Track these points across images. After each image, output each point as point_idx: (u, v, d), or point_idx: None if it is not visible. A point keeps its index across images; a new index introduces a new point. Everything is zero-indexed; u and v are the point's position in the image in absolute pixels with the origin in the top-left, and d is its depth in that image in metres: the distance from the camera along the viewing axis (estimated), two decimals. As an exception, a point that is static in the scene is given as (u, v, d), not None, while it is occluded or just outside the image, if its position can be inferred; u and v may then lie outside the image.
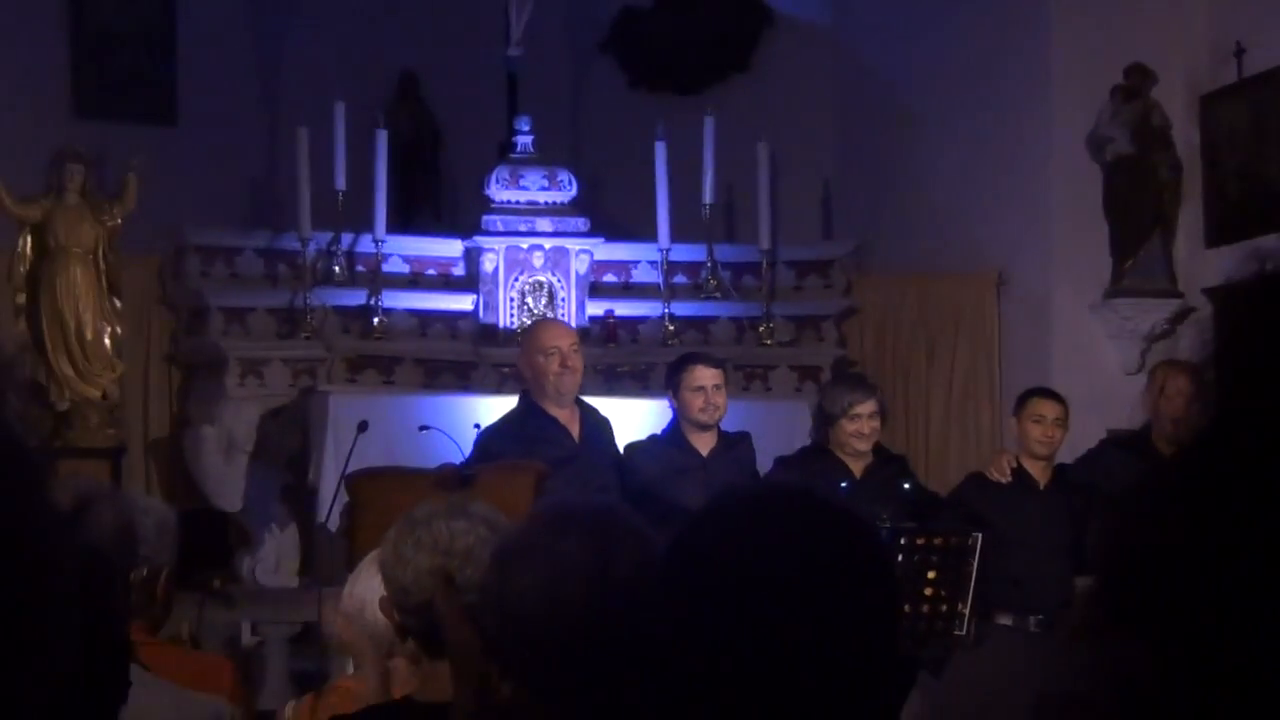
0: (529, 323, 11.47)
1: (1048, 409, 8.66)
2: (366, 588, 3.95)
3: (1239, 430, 1.18)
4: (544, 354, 8.48)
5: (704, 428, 8.62)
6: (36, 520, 1.22)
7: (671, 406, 8.70)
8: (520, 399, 8.69)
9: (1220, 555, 1.13)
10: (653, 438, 8.84)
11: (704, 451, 8.60)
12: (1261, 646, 1.08)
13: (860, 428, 8.49)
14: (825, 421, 8.68)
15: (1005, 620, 8.01)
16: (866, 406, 8.53)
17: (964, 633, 7.30)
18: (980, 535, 7.46)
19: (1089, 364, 11.72)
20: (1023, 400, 8.92)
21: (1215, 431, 1.25)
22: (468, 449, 8.54)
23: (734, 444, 8.77)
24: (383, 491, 7.84)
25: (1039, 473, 8.66)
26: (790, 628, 1.98)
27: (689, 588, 2.04)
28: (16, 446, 1.22)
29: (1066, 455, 9.34)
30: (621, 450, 8.75)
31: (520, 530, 3.14)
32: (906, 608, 7.14)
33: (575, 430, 8.57)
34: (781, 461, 8.79)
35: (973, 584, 7.33)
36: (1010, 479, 8.56)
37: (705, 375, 8.58)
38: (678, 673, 2.05)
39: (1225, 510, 1.14)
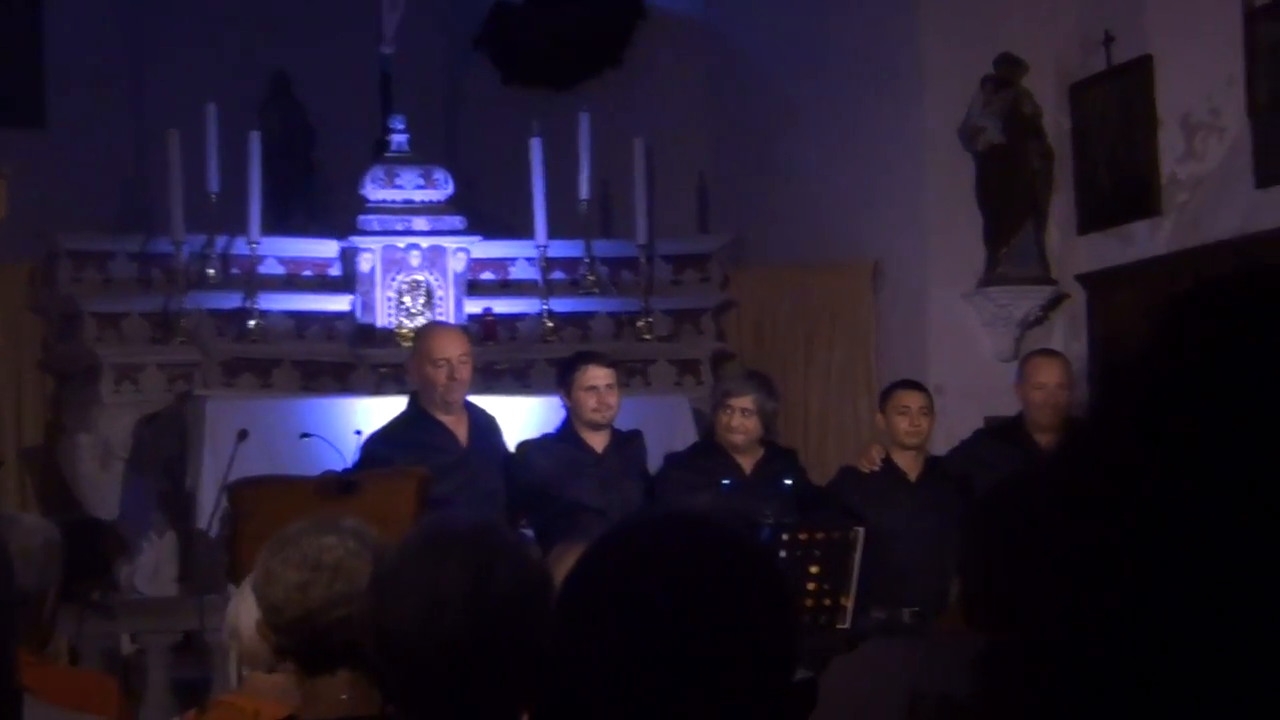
0: (408, 323, 11.44)
1: (912, 399, 8.72)
2: (243, 612, 3.92)
3: (1108, 432, 1.18)
4: (433, 364, 8.49)
5: (596, 427, 8.64)
6: None
7: (564, 405, 8.71)
8: (409, 403, 8.67)
9: (1086, 554, 1.13)
10: (546, 436, 8.86)
11: (598, 449, 8.63)
12: (1127, 643, 1.08)
13: (729, 420, 8.53)
14: (711, 412, 8.79)
15: (879, 614, 8.03)
16: (740, 401, 8.56)
17: (847, 626, 7.34)
18: (862, 530, 7.50)
19: (964, 352, 11.81)
20: (887, 393, 9.01)
21: (1083, 431, 1.24)
22: (349, 455, 8.50)
23: (627, 441, 8.81)
24: (264, 500, 7.79)
25: (909, 464, 8.70)
26: (684, 656, 1.98)
27: (586, 617, 2.04)
28: None
29: (944, 444, 9.42)
30: (513, 448, 8.76)
31: (397, 556, 3.14)
32: (790, 603, 7.16)
33: (462, 434, 8.58)
34: (672, 459, 8.82)
35: (855, 578, 7.37)
36: (879, 468, 8.61)
37: (598, 375, 8.62)
38: (573, 699, 2.05)
39: (1091, 509, 1.14)
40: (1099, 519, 1.14)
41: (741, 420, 8.54)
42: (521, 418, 10.26)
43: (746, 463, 8.60)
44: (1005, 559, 3.67)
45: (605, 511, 8.06)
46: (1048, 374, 8.95)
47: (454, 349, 8.62)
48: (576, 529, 7.45)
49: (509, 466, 8.65)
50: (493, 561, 3.01)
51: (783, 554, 7.21)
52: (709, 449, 8.75)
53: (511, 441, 8.96)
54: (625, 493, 8.46)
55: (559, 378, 8.95)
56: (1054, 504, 1.19)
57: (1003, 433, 9.27)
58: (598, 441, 8.66)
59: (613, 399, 8.64)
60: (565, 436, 8.71)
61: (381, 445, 8.44)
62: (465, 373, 8.59)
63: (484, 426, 8.74)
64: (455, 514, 6.66)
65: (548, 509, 8.38)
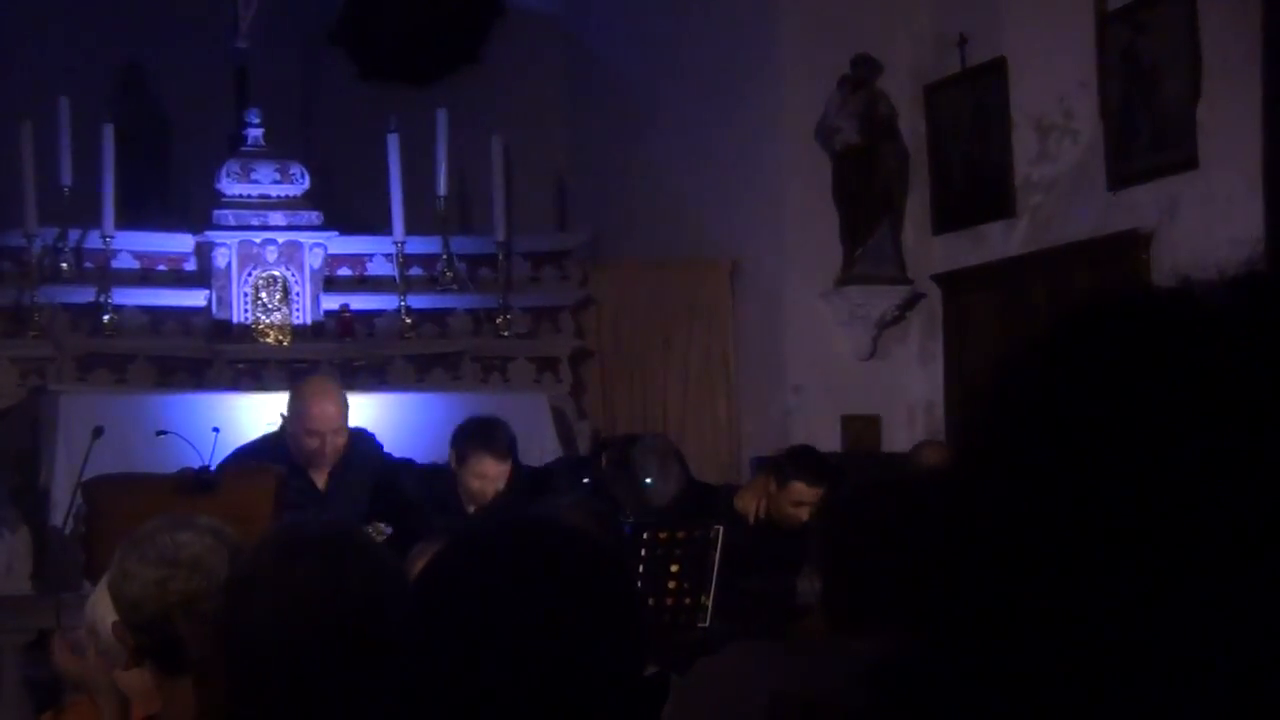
0: (264, 319, 11.35)
1: (812, 496, 7.95)
2: (101, 610, 3.89)
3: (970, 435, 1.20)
4: (308, 434, 8.38)
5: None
6: None
7: (450, 466, 8.56)
8: (277, 440, 8.55)
9: (943, 548, 1.14)
10: (429, 468, 8.75)
11: (473, 507, 8.49)
12: (988, 636, 1.10)
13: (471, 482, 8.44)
14: None
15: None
16: (481, 464, 8.44)
17: (706, 625, 7.37)
18: (721, 528, 7.51)
19: (822, 351, 11.89)
20: (787, 480, 8.29)
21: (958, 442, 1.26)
22: (206, 452, 8.41)
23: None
24: (121, 497, 7.71)
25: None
26: (533, 654, 2.02)
27: (433, 614, 2.07)
28: None
29: (801, 441, 9.49)
30: (393, 458, 8.69)
31: (250, 559, 3.13)
32: (651, 601, 7.20)
33: (321, 481, 8.48)
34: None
35: (714, 576, 7.39)
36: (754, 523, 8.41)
37: (491, 468, 8.38)
38: (425, 697, 2.08)
39: (947, 500, 1.16)
40: (956, 512, 1.15)
41: (481, 484, 8.45)
42: (378, 415, 10.22)
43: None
44: (865, 561, 3.71)
45: None
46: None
47: (329, 423, 8.44)
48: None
49: (387, 485, 8.55)
50: (346, 560, 3.01)
51: (643, 553, 7.23)
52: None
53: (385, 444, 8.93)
54: None
55: (453, 440, 8.56)
56: (912, 506, 1.21)
57: None
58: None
59: (499, 486, 8.36)
60: (444, 486, 8.51)
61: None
62: (339, 441, 8.45)
63: (349, 463, 8.60)
64: (307, 517, 6.62)
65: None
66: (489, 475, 8.35)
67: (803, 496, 8.08)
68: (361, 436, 8.78)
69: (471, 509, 8.40)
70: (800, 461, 8.38)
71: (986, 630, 1.09)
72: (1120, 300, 1.14)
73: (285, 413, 8.60)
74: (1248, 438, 1.03)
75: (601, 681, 2.08)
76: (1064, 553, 1.06)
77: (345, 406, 8.65)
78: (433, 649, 2.06)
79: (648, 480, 8.54)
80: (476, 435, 8.46)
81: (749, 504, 8.45)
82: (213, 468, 8.17)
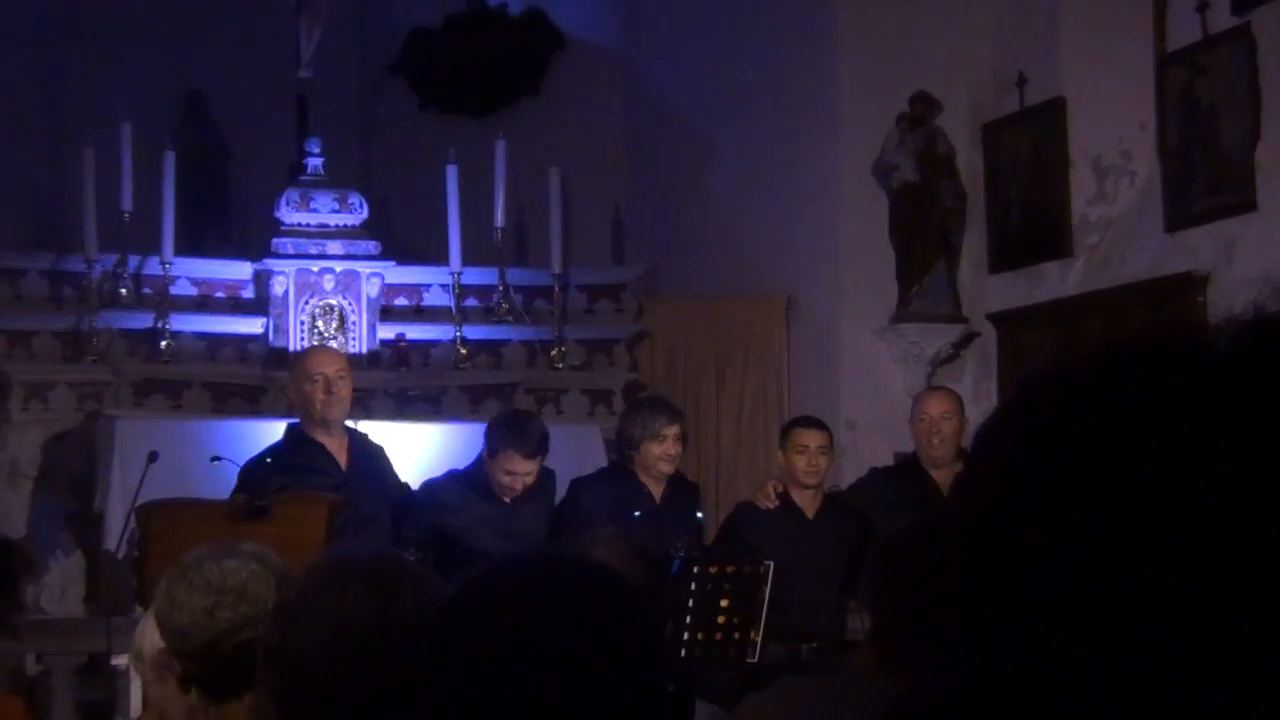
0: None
1: (811, 438, 8.76)
2: (149, 637, 3.91)
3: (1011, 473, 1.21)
4: (309, 381, 8.47)
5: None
6: None
7: (483, 457, 8.59)
8: (287, 430, 8.64)
9: (993, 595, 1.15)
10: (453, 474, 8.76)
11: (507, 498, 8.55)
12: (1038, 687, 1.11)
13: (667, 449, 8.57)
14: (628, 445, 8.72)
15: (779, 649, 8.04)
16: (673, 429, 8.61)
17: (755, 660, 7.38)
18: (772, 564, 7.53)
19: (876, 388, 11.87)
20: (786, 430, 9.06)
21: (986, 469, 1.27)
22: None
23: (537, 490, 8.67)
24: (174, 522, 7.76)
25: (807, 502, 8.75)
26: (538, 695, 2.03)
27: (453, 649, 2.08)
28: None
29: (854, 481, 9.50)
30: (418, 483, 8.71)
31: (301, 583, 3.14)
32: (700, 636, 7.22)
33: (343, 458, 8.53)
34: (580, 483, 8.78)
35: (764, 611, 7.41)
36: (776, 504, 8.65)
37: (520, 465, 8.42)
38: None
39: (997, 549, 1.17)
40: (1005, 562, 1.16)
41: (677, 447, 8.60)
42: (434, 445, 10.25)
43: (657, 491, 8.64)
44: (912, 600, 3.71)
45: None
46: (932, 406, 9.06)
47: (330, 365, 8.60)
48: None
49: (406, 500, 8.59)
50: (395, 588, 3.02)
51: (693, 586, 7.25)
52: (621, 476, 8.74)
53: (415, 469, 8.95)
54: (528, 536, 8.36)
55: (486, 435, 8.60)
56: (956, 544, 1.21)
57: (898, 469, 9.36)
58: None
59: (529, 481, 8.48)
60: (475, 484, 8.61)
61: (257, 470, 8.37)
62: (344, 389, 8.53)
63: (366, 453, 8.68)
64: (358, 545, 6.64)
65: (449, 552, 8.23)
66: (517, 472, 8.41)
67: (805, 440, 8.72)
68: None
69: (507, 499, 8.48)
70: (790, 421, 9.15)
71: (1005, 668, 1.10)
72: (1134, 342, 1.16)
73: (288, 387, 8.62)
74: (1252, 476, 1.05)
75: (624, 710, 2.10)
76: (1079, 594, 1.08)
77: (345, 360, 8.87)
78: (443, 687, 2.08)
79: (699, 515, 8.63)
80: (508, 432, 8.51)
81: (765, 495, 8.73)
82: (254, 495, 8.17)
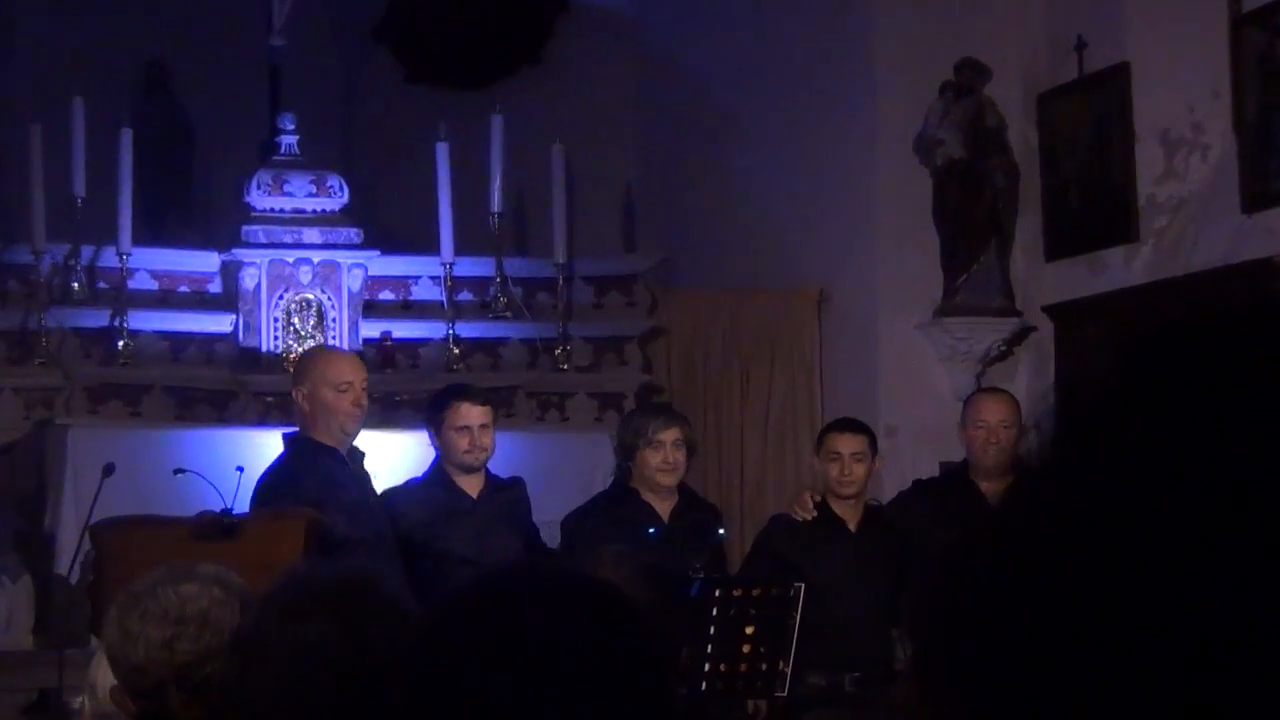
0: (296, 347, 11.39)
1: (844, 444, 8.73)
2: (101, 672, 3.89)
3: (1060, 483, 1.19)
4: (334, 389, 8.43)
5: (469, 470, 8.63)
6: None
7: (433, 445, 8.70)
8: (295, 443, 8.57)
9: (1043, 621, 1.14)
10: (412, 482, 8.85)
11: (473, 494, 8.62)
12: (1086, 714, 1.10)
13: (666, 457, 8.54)
14: (626, 454, 8.71)
15: (818, 679, 8.01)
16: (671, 434, 8.58)
17: (785, 694, 7.32)
18: (803, 585, 7.48)
19: (918, 390, 11.85)
20: (821, 437, 9.07)
21: (1040, 483, 1.26)
22: (229, 493, 8.42)
23: (505, 487, 8.79)
24: (133, 543, 7.75)
25: (848, 512, 8.70)
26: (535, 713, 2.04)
27: (438, 668, 2.09)
28: None
29: (897, 492, 9.47)
30: (381, 493, 8.73)
31: (256, 615, 3.11)
32: (722, 667, 7.17)
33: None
34: (580, 513, 8.76)
35: (795, 639, 7.35)
36: (814, 514, 8.61)
37: (471, 414, 8.60)
38: None
39: (1048, 572, 1.16)
40: (1053, 583, 1.15)
41: (676, 454, 8.57)
42: (421, 456, 10.24)
43: (664, 509, 8.61)
44: (958, 629, 3.69)
45: (478, 563, 7.94)
46: (990, 412, 9.02)
47: (359, 374, 8.64)
48: (448, 583, 7.41)
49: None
50: (365, 614, 2.99)
51: (714, 612, 7.21)
52: (624, 494, 8.72)
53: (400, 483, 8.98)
54: (502, 541, 8.43)
55: (427, 414, 8.89)
56: (1006, 567, 1.20)
57: (944, 482, 9.33)
58: (471, 486, 8.67)
59: (487, 440, 8.64)
60: (435, 481, 8.70)
61: (288, 497, 8.28)
62: (366, 401, 8.61)
63: (359, 463, 8.72)
64: (319, 564, 6.62)
65: (417, 560, 8.31)
66: (473, 421, 8.58)
67: (838, 446, 8.73)
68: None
69: (467, 484, 8.60)
70: (826, 425, 9.26)
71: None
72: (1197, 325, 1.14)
73: (300, 390, 8.59)
74: None
75: None
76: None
77: (366, 369, 8.99)
78: (435, 703, 2.08)
79: (720, 532, 8.61)
80: (448, 390, 8.92)
81: (802, 505, 8.71)
82: (233, 510, 8.19)
